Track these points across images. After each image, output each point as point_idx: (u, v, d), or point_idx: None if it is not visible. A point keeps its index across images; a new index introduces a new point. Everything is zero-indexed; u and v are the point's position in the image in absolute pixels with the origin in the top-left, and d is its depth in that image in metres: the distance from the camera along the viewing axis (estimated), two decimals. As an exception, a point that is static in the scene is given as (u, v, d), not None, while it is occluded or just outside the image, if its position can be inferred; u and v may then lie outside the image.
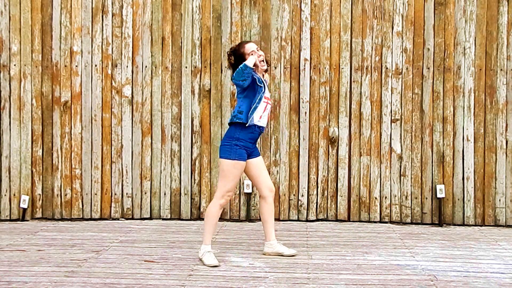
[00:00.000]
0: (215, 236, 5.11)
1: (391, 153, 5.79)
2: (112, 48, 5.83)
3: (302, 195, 5.81)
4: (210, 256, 4.20)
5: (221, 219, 5.80)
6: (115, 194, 5.85)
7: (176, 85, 5.84)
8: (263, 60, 4.27)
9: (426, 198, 5.76)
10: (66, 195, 5.84)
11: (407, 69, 5.76)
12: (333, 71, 5.79)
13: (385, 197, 5.78)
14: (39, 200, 5.84)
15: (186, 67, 5.82)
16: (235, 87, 4.77)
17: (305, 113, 5.79)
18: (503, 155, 5.71)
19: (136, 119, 5.85)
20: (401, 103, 5.77)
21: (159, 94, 5.84)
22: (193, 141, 5.84)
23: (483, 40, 5.71)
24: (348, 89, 5.79)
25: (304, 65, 5.79)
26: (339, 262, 4.29)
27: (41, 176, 5.84)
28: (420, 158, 5.76)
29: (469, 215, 5.73)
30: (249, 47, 4.24)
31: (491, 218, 5.73)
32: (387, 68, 5.77)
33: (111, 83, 5.83)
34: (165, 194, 5.85)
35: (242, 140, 4.20)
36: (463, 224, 5.72)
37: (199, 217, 5.83)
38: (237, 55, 4.25)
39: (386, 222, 5.78)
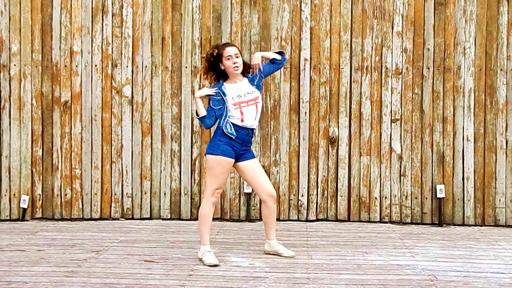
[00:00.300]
0: (215, 236, 5.11)
1: (391, 153, 5.79)
2: (112, 48, 5.83)
3: (302, 195, 5.82)
4: (210, 255, 4.21)
5: (221, 219, 5.82)
6: (115, 194, 5.85)
7: (176, 85, 5.84)
8: (237, 67, 4.24)
9: (426, 198, 5.76)
10: (66, 195, 5.84)
11: (407, 69, 5.76)
12: (333, 71, 5.79)
13: (385, 197, 5.78)
14: (39, 200, 5.84)
15: (186, 67, 5.82)
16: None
17: (305, 113, 5.79)
18: (503, 155, 5.71)
19: (136, 119, 5.85)
20: (401, 103, 5.77)
21: (159, 94, 5.84)
22: (193, 141, 5.84)
23: (483, 40, 5.71)
24: (348, 89, 5.79)
25: (304, 65, 5.79)
26: (339, 262, 4.29)
27: (41, 176, 5.84)
28: (420, 158, 5.76)
29: (469, 215, 5.73)
30: (228, 50, 4.23)
31: (491, 218, 5.73)
32: (387, 68, 5.77)
33: (111, 83, 5.83)
34: (165, 194, 5.85)
35: (224, 137, 4.24)
36: (463, 224, 5.72)
37: (199, 217, 5.83)
38: (215, 56, 4.27)
39: (386, 222, 5.78)
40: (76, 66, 5.82)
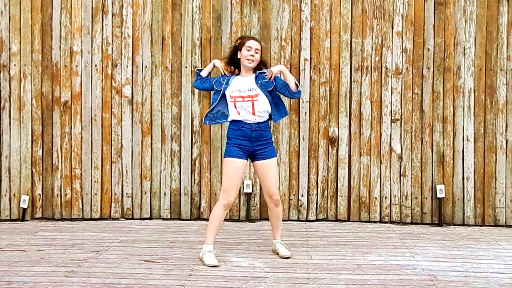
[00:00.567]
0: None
1: (391, 153, 5.79)
2: (112, 48, 5.83)
3: (302, 195, 5.82)
4: (210, 256, 4.21)
5: (221, 219, 5.82)
6: (115, 194, 5.85)
7: (176, 85, 5.84)
8: (252, 60, 4.26)
9: (426, 198, 5.76)
10: (66, 195, 5.84)
11: (407, 69, 5.76)
12: (333, 71, 5.79)
13: (385, 197, 5.78)
14: (39, 200, 5.84)
15: (186, 67, 5.82)
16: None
17: (305, 113, 5.79)
18: (503, 155, 5.71)
19: (136, 119, 5.85)
20: (401, 103, 5.77)
21: (159, 94, 5.84)
22: (193, 141, 5.84)
23: (483, 40, 5.71)
24: (348, 89, 5.79)
25: (304, 65, 5.79)
26: (339, 262, 4.29)
27: (41, 176, 5.84)
28: (420, 158, 5.76)
29: (469, 215, 5.73)
30: (250, 43, 4.27)
31: (491, 218, 5.73)
32: (387, 68, 5.77)
33: (111, 83, 5.83)
34: (165, 194, 5.85)
35: (231, 138, 4.28)
36: (463, 224, 5.73)
37: (199, 217, 5.84)
38: (239, 43, 4.34)
39: (386, 222, 5.78)
40: (76, 66, 5.82)
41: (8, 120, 5.82)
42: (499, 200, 5.72)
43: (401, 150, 5.78)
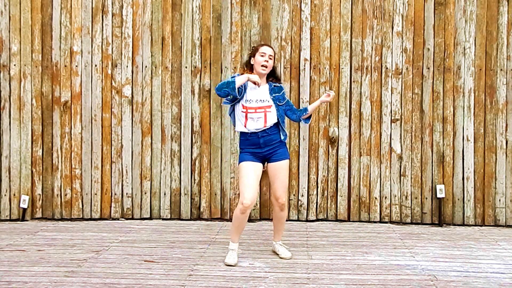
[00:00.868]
0: (215, 236, 5.11)
1: (391, 153, 5.79)
2: (112, 48, 5.83)
3: (302, 195, 5.81)
4: (230, 254, 4.24)
5: (221, 219, 5.82)
6: (115, 194, 5.85)
7: (176, 85, 5.84)
8: (266, 67, 4.23)
9: (426, 198, 5.76)
10: (66, 195, 5.84)
11: (407, 69, 5.76)
12: (333, 71, 5.79)
13: (385, 197, 5.78)
14: (39, 200, 5.84)
15: (186, 67, 5.82)
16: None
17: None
18: (503, 155, 5.71)
19: (136, 119, 5.85)
20: (401, 103, 5.77)
21: (159, 94, 5.84)
22: (193, 141, 5.84)
23: (483, 40, 5.71)
24: (348, 89, 5.79)
25: (304, 65, 5.79)
26: (339, 262, 4.29)
27: (41, 176, 5.84)
28: (420, 158, 5.76)
29: (469, 215, 5.73)
30: (264, 49, 4.26)
31: (491, 218, 5.73)
32: (387, 68, 5.77)
33: (111, 83, 5.83)
34: (165, 194, 5.85)
35: (243, 148, 4.32)
36: (463, 224, 5.73)
37: (199, 217, 5.84)
38: (254, 48, 4.35)
39: (386, 222, 5.78)
40: (76, 66, 5.82)
41: (8, 120, 5.82)
42: (499, 200, 5.72)
43: (401, 150, 5.78)
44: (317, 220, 5.82)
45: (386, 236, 5.21)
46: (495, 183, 5.72)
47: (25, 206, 5.76)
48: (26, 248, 4.68)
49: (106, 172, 5.84)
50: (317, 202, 5.82)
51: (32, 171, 5.83)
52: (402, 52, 5.76)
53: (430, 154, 5.76)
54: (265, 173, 4.42)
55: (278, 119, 4.28)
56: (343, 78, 5.78)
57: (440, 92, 5.75)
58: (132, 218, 5.84)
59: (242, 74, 4.27)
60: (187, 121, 5.82)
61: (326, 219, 5.82)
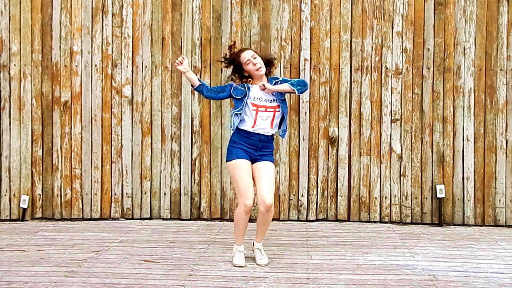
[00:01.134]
0: (215, 236, 5.11)
1: (391, 153, 5.79)
2: (112, 48, 5.83)
3: (302, 195, 5.81)
4: (237, 256, 4.19)
5: (221, 219, 5.82)
6: (115, 194, 5.85)
7: (176, 85, 5.84)
8: (259, 68, 4.16)
9: (426, 198, 5.76)
10: (66, 195, 5.84)
11: (407, 69, 5.76)
12: (333, 71, 5.79)
13: (385, 197, 5.78)
14: (39, 200, 5.84)
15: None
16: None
17: (305, 113, 5.79)
18: (503, 155, 5.71)
19: (136, 119, 5.85)
20: (401, 103, 5.77)
21: (159, 94, 5.84)
22: (193, 141, 5.84)
23: (483, 40, 5.71)
24: (348, 89, 5.79)
25: (304, 65, 5.79)
26: (339, 262, 4.29)
27: (41, 176, 5.84)
28: (420, 158, 5.76)
29: (469, 215, 5.73)
30: (244, 56, 4.17)
31: (491, 218, 5.73)
32: (387, 68, 5.77)
33: (111, 83, 5.83)
34: (165, 194, 5.85)
35: (237, 142, 4.19)
36: (463, 224, 5.72)
37: (199, 217, 5.84)
38: (235, 64, 4.23)
39: (386, 222, 5.77)
40: (76, 66, 5.82)
41: (8, 120, 5.82)
42: (499, 200, 5.72)
43: (401, 150, 5.78)
44: (317, 220, 5.82)
45: (386, 236, 5.21)
46: (495, 183, 5.72)
47: (25, 206, 5.76)
48: (26, 248, 4.68)
49: (106, 172, 5.84)
50: (317, 202, 5.82)
51: (32, 171, 5.83)
52: (402, 52, 5.76)
53: (430, 154, 5.76)
54: None
55: (282, 116, 4.23)
56: (343, 78, 5.78)
57: (440, 92, 5.75)
58: (132, 218, 5.84)
59: (238, 83, 4.23)
60: (187, 121, 5.82)
61: (326, 219, 5.82)
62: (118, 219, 5.83)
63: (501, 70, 5.70)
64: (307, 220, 5.81)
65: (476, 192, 5.73)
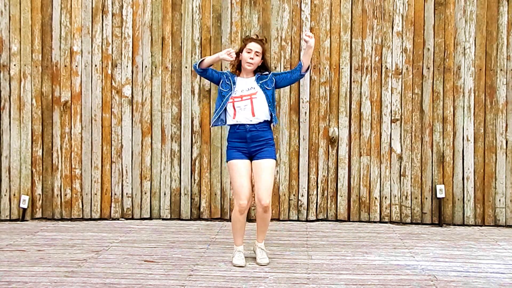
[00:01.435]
0: (215, 236, 5.11)
1: (391, 153, 5.79)
2: (112, 48, 5.83)
3: (302, 195, 5.81)
4: (237, 256, 4.20)
5: (221, 219, 5.82)
6: (115, 194, 5.85)
7: (176, 85, 5.84)
8: (251, 64, 4.20)
9: (426, 198, 5.76)
10: (66, 195, 5.84)
11: (407, 69, 5.76)
12: (333, 71, 5.79)
13: (385, 197, 5.78)
14: (39, 200, 5.84)
15: (186, 67, 5.82)
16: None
17: (305, 113, 5.79)
18: (503, 155, 5.71)
19: (136, 119, 5.85)
20: (401, 103, 5.77)
21: (159, 94, 5.84)
22: (193, 141, 5.84)
23: (483, 40, 5.71)
24: (348, 89, 5.79)
25: (304, 65, 5.78)
26: (339, 262, 4.29)
27: (41, 176, 5.84)
28: (420, 158, 5.76)
29: (469, 215, 5.73)
30: (251, 45, 4.21)
31: (491, 218, 5.73)
32: (387, 68, 5.77)
33: (111, 83, 5.83)
34: (165, 194, 5.85)
35: (229, 141, 4.24)
36: (463, 224, 5.72)
37: (199, 217, 5.83)
38: (242, 45, 4.31)
39: (386, 222, 5.77)
40: (76, 66, 5.82)
41: (8, 120, 5.82)
42: (499, 200, 5.72)
43: (401, 150, 5.78)
44: (317, 220, 5.82)
45: (386, 236, 5.21)
46: (495, 183, 5.72)
47: (25, 206, 5.76)
48: (26, 248, 4.68)
49: (106, 172, 5.84)
50: (317, 202, 5.82)
51: (32, 171, 5.83)
52: (402, 52, 5.76)
53: (430, 154, 5.76)
54: None
55: (268, 109, 4.19)
56: (343, 78, 5.78)
57: (440, 92, 5.75)
58: (132, 218, 5.84)
59: (234, 69, 4.33)
60: (187, 121, 5.82)
61: (326, 219, 5.82)
62: (118, 219, 5.83)
63: (501, 70, 5.70)
64: (307, 220, 5.81)
65: (476, 192, 5.73)
